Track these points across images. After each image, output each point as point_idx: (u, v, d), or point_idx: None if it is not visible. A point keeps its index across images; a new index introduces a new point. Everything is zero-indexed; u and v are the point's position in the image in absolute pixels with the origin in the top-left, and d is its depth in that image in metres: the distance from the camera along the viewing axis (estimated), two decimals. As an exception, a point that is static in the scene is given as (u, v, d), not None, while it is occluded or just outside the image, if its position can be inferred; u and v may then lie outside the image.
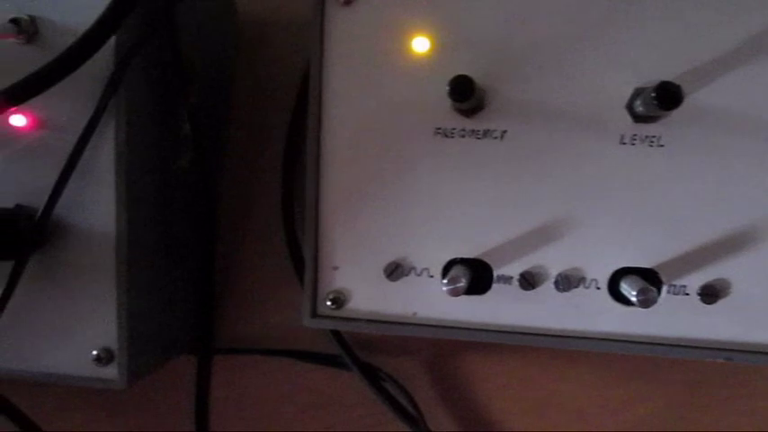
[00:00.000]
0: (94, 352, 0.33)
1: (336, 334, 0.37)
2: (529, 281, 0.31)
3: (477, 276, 0.31)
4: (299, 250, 0.39)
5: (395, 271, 0.32)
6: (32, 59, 0.32)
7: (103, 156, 0.32)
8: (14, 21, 0.31)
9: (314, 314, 0.33)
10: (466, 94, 0.27)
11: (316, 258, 0.33)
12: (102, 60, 0.31)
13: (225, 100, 0.42)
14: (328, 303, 0.33)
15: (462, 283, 0.29)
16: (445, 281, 0.29)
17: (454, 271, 0.30)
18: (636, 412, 0.38)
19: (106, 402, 0.41)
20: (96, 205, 0.32)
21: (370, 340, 0.39)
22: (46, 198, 0.32)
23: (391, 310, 0.32)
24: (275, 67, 0.41)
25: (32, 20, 0.32)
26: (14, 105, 0.30)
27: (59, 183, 0.31)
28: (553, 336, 0.31)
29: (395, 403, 0.37)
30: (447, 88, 0.27)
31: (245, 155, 0.41)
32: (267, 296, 0.40)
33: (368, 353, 0.38)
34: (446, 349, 0.38)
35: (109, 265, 0.32)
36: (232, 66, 0.42)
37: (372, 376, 0.37)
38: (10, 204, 0.33)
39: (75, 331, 0.33)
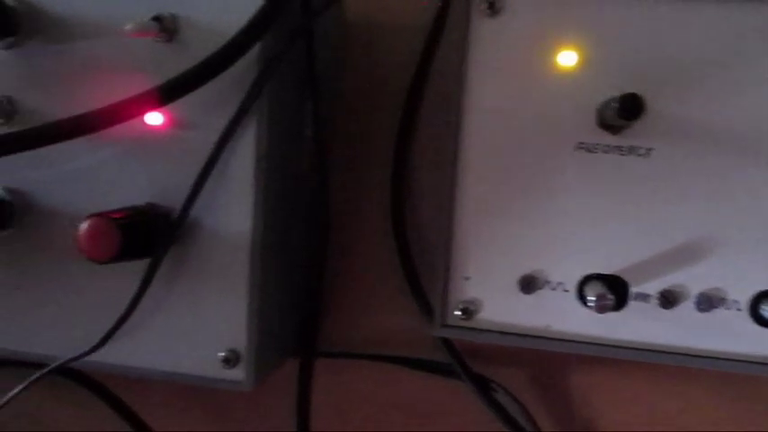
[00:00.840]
0: (222, 353, 0.33)
1: (448, 343, 0.37)
2: (669, 299, 0.31)
3: (614, 293, 0.31)
4: (409, 256, 0.39)
5: (529, 284, 0.32)
6: (171, 58, 0.32)
7: (241, 158, 0.32)
8: (157, 18, 0.31)
9: (443, 323, 0.33)
10: (636, 113, 0.27)
11: (447, 268, 0.33)
12: (244, 64, 0.31)
13: (333, 103, 0.42)
14: (458, 313, 0.33)
15: (610, 301, 0.29)
16: (592, 298, 0.29)
17: (598, 288, 0.30)
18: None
19: (208, 401, 0.41)
20: (231, 206, 0.32)
21: (477, 349, 0.38)
22: (181, 197, 0.32)
23: (523, 322, 0.32)
24: (383, 69, 0.41)
25: (174, 18, 0.32)
26: (165, 104, 0.30)
27: (198, 183, 0.31)
28: (688, 355, 0.31)
29: (507, 416, 0.37)
30: (615, 105, 0.27)
31: (354, 158, 0.40)
32: (375, 301, 0.40)
33: (472, 362, 0.38)
34: (555, 361, 0.38)
35: (241, 266, 0.32)
36: (340, 69, 0.42)
37: (483, 387, 0.37)
38: (141, 202, 0.33)
39: (203, 331, 0.33)
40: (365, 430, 0.41)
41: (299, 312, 0.39)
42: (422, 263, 0.38)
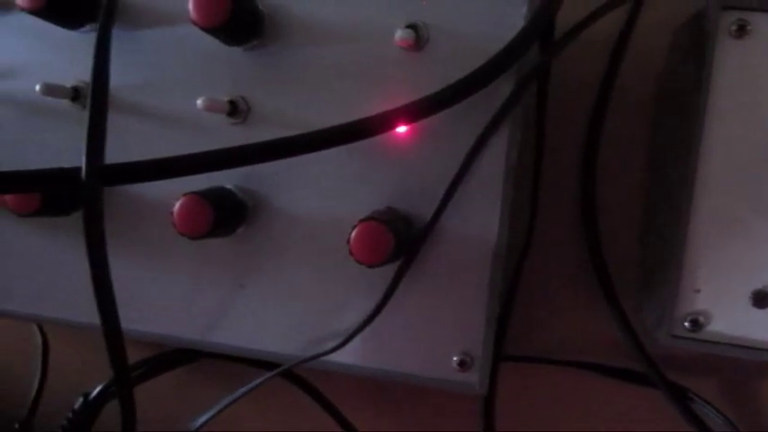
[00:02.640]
0: (456, 357, 0.33)
1: (642, 351, 0.38)
2: None
3: None
4: (603, 262, 0.39)
5: (763, 299, 0.33)
6: (420, 67, 0.33)
7: (490, 166, 0.32)
8: (412, 27, 0.32)
9: (670, 334, 0.34)
10: None
11: (678, 280, 0.34)
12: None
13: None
14: (686, 325, 0.34)
15: None
16: None
17: None
18: None
19: (387, 401, 0.42)
20: (478, 213, 0.32)
21: (668, 357, 0.39)
22: (421, 202, 0.33)
23: (754, 336, 0.33)
24: (567, 84, 0.42)
25: (426, 27, 0.32)
26: (422, 119, 0.31)
27: (450, 190, 0.32)
28: None
29: (705, 427, 0.37)
30: None
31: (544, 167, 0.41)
32: (563, 306, 0.41)
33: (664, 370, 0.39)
34: (751, 368, 0.39)
35: (484, 272, 0.33)
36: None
37: (680, 396, 0.38)
38: (380, 206, 0.33)
39: (439, 334, 0.33)
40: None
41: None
42: (614, 269, 0.40)
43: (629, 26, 0.40)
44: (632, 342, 0.38)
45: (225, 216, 0.32)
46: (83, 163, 0.26)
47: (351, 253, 0.30)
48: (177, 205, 0.31)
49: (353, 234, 0.30)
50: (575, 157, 0.41)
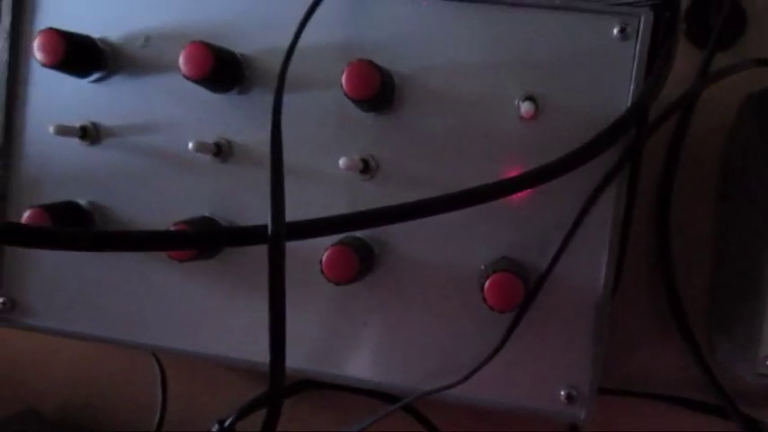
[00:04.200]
0: (564, 391, 0.37)
1: (717, 384, 0.42)
2: None
3: None
4: (677, 296, 0.44)
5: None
6: (533, 136, 0.37)
7: (598, 222, 0.36)
8: (531, 98, 0.36)
9: (756, 373, 0.38)
10: None
11: (762, 323, 0.38)
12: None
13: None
14: (769, 364, 0.38)
15: None
16: None
17: None
18: None
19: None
20: (587, 261, 0.36)
21: (743, 390, 0.43)
22: (535, 251, 0.37)
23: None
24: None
25: (543, 98, 0.36)
26: (539, 185, 0.35)
27: (564, 243, 0.36)
28: None
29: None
30: None
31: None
32: (638, 339, 0.44)
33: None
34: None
35: (592, 314, 0.37)
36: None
37: (755, 429, 0.42)
38: (496, 256, 0.37)
39: (549, 369, 0.37)
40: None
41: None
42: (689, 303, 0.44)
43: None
44: (708, 377, 0.42)
45: (367, 265, 0.36)
46: (268, 221, 0.30)
47: (489, 302, 0.34)
48: (326, 255, 0.34)
49: (488, 284, 0.34)
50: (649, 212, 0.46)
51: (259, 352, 0.39)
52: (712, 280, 0.45)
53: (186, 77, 0.36)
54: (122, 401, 0.49)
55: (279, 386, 0.32)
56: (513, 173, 0.35)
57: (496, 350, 0.36)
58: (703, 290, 0.45)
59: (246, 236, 0.30)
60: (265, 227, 0.30)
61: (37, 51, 0.37)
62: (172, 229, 0.35)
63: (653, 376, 0.45)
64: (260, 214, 0.37)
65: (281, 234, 0.29)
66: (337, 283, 0.35)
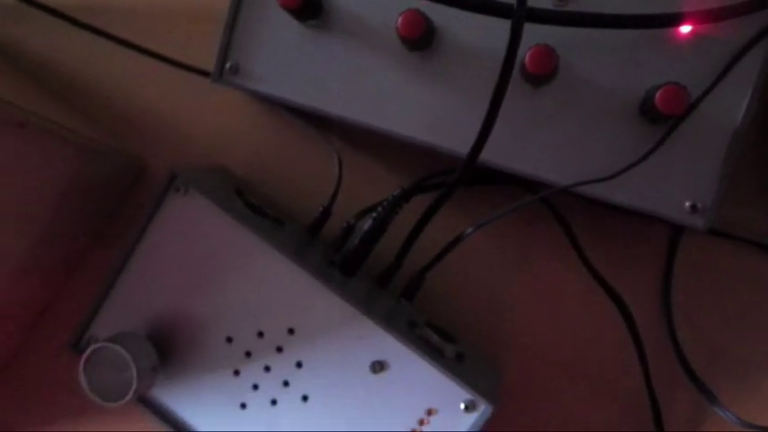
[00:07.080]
0: (688, 203, 0.45)
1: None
2: None
3: None
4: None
5: None
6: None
7: (746, 71, 0.44)
8: None
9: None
10: None
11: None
12: None
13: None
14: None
15: None
16: None
17: None
18: None
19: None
20: (731, 100, 0.44)
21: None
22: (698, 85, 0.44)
23: None
24: None
25: None
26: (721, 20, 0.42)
27: (718, 78, 0.44)
28: None
29: None
30: None
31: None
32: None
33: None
34: None
35: (726, 141, 0.45)
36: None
37: None
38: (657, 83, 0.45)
39: (680, 183, 0.45)
40: None
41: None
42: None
43: None
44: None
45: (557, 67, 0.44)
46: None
47: (654, 107, 0.42)
48: (530, 53, 0.42)
49: (661, 91, 0.42)
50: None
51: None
52: None
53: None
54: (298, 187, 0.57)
55: (473, 159, 0.41)
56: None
57: (648, 152, 0.44)
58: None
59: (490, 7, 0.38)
60: (511, 5, 0.38)
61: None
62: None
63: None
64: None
65: (521, 14, 0.37)
66: (536, 78, 0.43)
